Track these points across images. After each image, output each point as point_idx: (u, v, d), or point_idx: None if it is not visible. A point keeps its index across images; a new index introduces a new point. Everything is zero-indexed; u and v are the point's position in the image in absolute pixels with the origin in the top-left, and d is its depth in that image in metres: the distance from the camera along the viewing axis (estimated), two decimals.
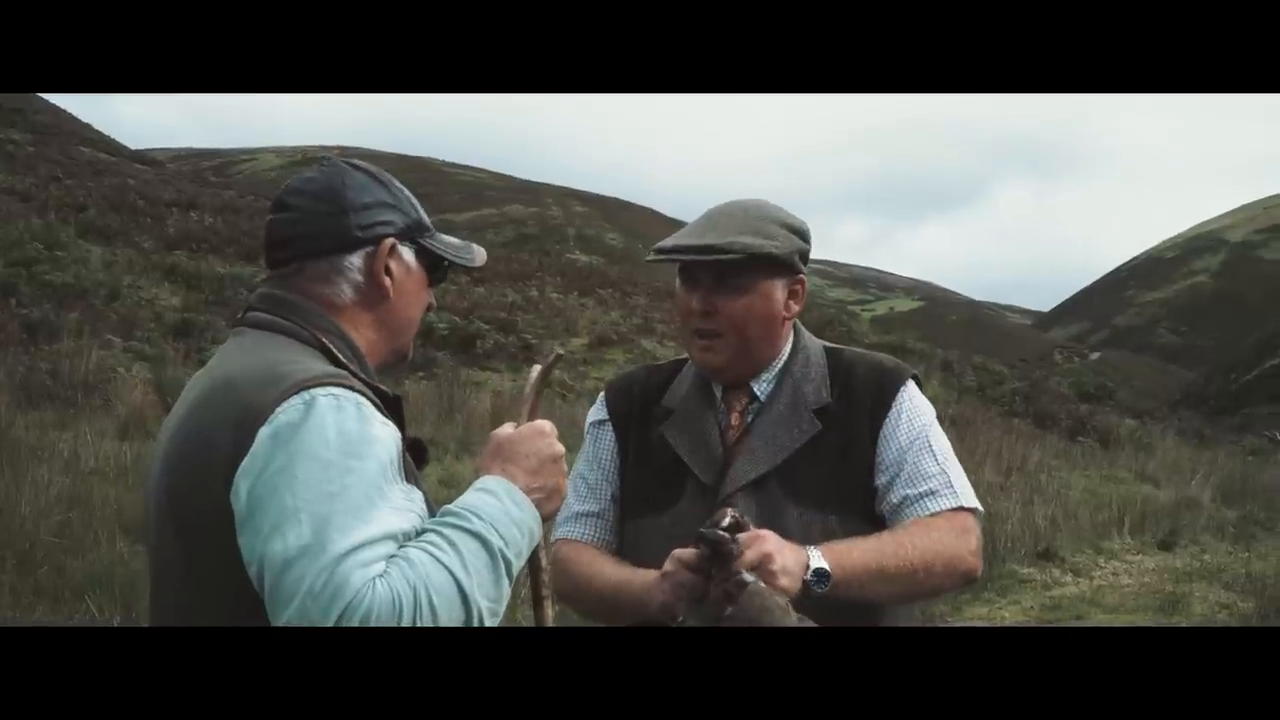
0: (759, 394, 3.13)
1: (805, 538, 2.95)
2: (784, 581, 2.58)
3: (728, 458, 3.09)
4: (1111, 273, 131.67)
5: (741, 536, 2.49)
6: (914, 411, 3.10)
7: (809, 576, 2.69)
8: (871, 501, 3.05)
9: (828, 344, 3.24)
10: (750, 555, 2.53)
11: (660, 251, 3.08)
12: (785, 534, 2.95)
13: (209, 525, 2.21)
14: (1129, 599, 11.35)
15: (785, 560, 2.62)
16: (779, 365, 3.15)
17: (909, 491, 3.00)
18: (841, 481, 3.04)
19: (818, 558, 2.73)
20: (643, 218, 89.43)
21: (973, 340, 70.63)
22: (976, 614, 10.60)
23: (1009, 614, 10.80)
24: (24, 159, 34.07)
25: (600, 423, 3.30)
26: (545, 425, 2.51)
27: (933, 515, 2.97)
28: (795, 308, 3.13)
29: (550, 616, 2.66)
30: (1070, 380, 37.89)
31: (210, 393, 2.32)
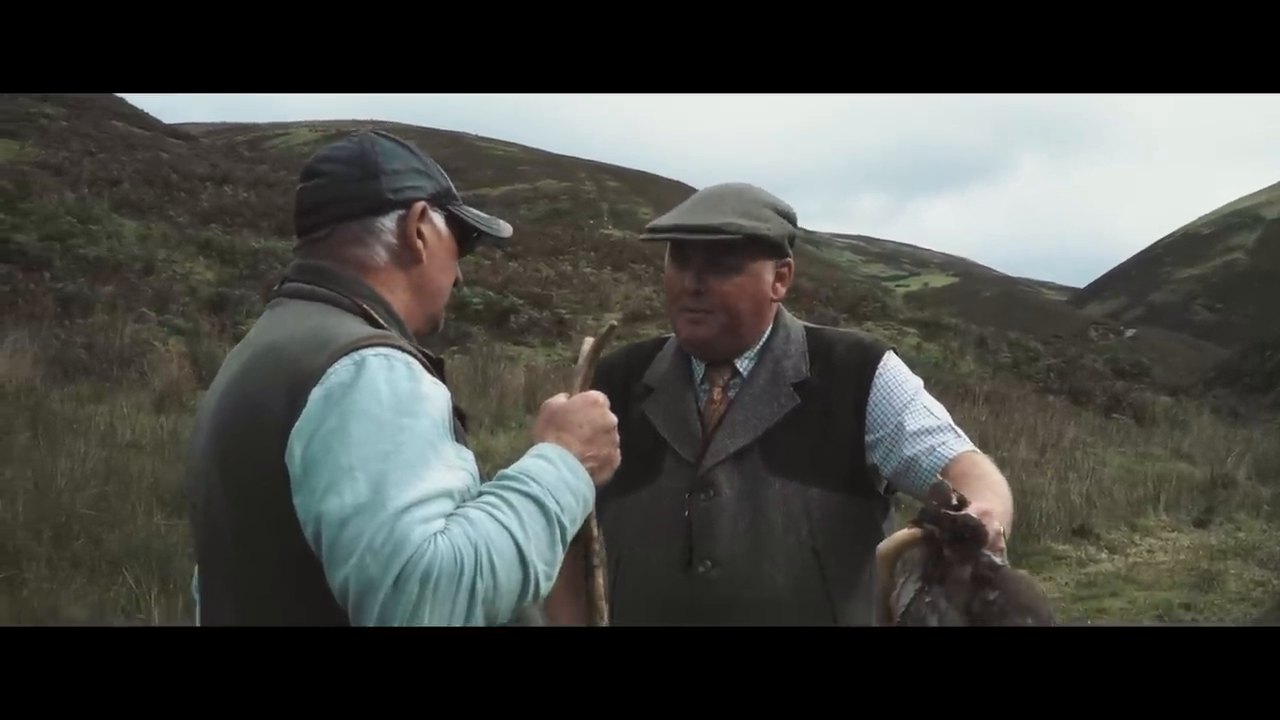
0: (741, 370, 3.16)
1: (786, 510, 3.02)
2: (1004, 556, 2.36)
3: (708, 433, 3.12)
4: (1147, 249, 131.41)
5: (972, 513, 2.26)
6: (900, 380, 3.10)
7: None
8: (852, 475, 3.06)
9: (808, 324, 3.27)
10: (991, 534, 2.27)
11: (656, 230, 3.10)
12: (766, 506, 3.02)
13: (262, 488, 2.21)
14: (1164, 576, 11.33)
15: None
16: (761, 343, 3.18)
17: (923, 441, 2.98)
18: (822, 454, 3.05)
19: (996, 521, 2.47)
20: (673, 192, 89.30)
21: (1007, 316, 70.50)
22: None
23: (1044, 590, 10.77)
24: (57, 133, 34.22)
25: None
26: (599, 396, 2.53)
27: (961, 456, 2.94)
28: (781, 290, 3.16)
29: (601, 587, 2.67)
30: (1105, 357, 37.74)
31: (256, 360, 2.32)
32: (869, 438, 3.05)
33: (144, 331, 18.13)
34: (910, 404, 3.05)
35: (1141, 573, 11.51)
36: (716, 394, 3.16)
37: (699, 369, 3.20)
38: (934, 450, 2.96)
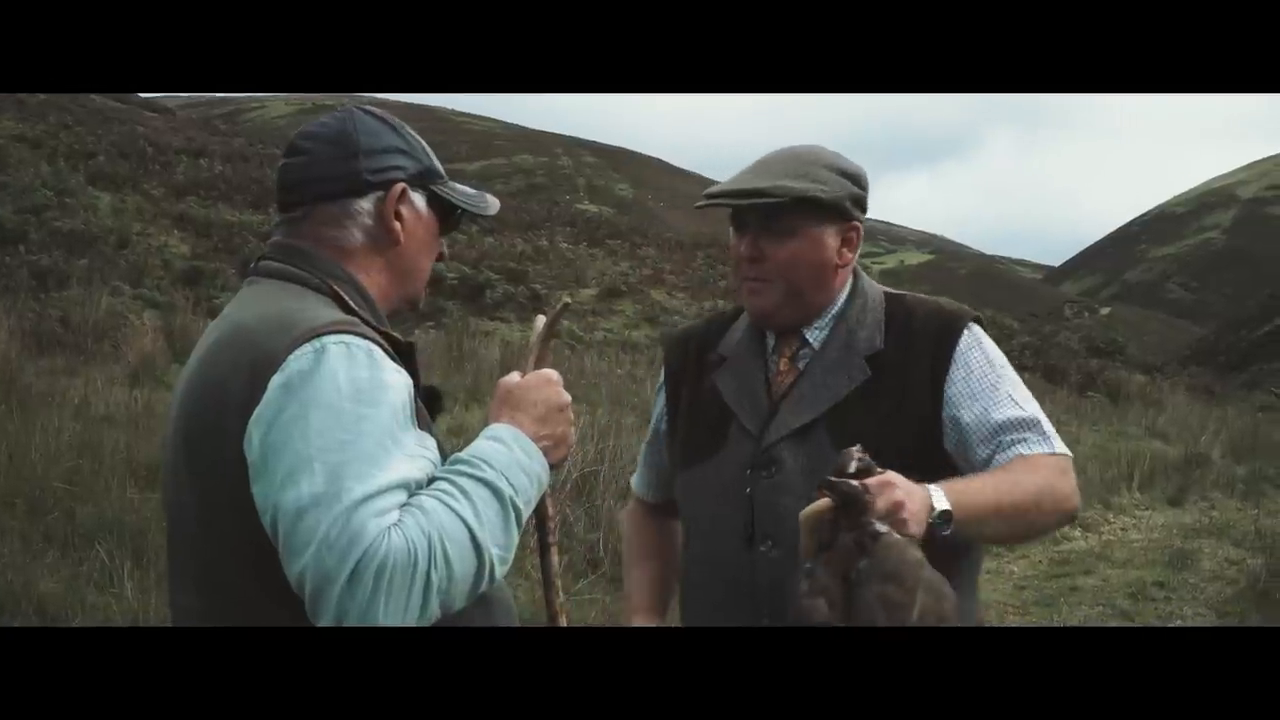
0: (811, 340, 3.04)
1: None
2: (913, 529, 2.39)
3: (775, 405, 3.02)
4: (1122, 227, 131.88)
5: (870, 482, 2.32)
6: (985, 360, 2.97)
7: (933, 519, 2.48)
8: (927, 454, 2.86)
9: (889, 290, 3.14)
10: (881, 504, 2.32)
11: (709, 197, 3.01)
12: None
13: (223, 473, 2.21)
14: (1138, 554, 11.37)
15: (913, 505, 2.41)
16: (834, 311, 3.05)
17: (1002, 438, 2.86)
18: (894, 431, 2.87)
19: (941, 498, 2.52)
20: (650, 168, 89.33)
21: (983, 294, 70.79)
22: (986, 567, 10.59)
23: (1017, 568, 10.82)
24: (34, 106, 34.02)
25: (660, 387, 3.31)
26: (552, 374, 2.53)
27: (1033, 455, 2.84)
28: (849, 255, 3.04)
29: (557, 564, 2.69)
30: (1080, 335, 37.92)
31: (223, 341, 2.33)
32: (946, 415, 2.93)
33: (118, 305, 18.08)
34: (994, 390, 2.92)
35: (1115, 551, 11.55)
36: (784, 365, 3.06)
37: (771, 338, 3.10)
38: (1012, 449, 2.85)
